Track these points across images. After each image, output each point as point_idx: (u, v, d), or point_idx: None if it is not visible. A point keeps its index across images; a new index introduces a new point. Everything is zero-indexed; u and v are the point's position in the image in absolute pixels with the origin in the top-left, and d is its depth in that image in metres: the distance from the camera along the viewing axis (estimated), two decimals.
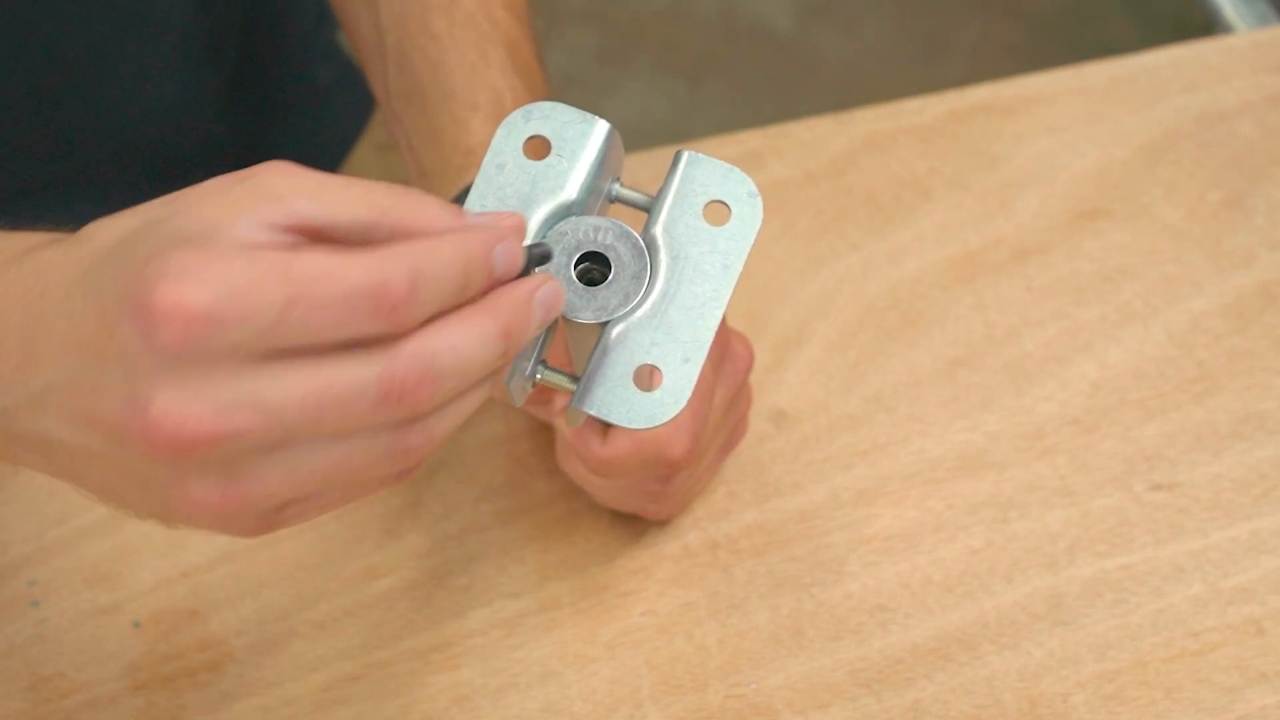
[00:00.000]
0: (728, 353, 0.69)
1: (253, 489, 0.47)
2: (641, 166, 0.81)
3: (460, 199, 0.68)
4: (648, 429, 0.53)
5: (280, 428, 0.46)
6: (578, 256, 0.53)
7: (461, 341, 0.47)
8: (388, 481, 0.50)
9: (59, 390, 0.48)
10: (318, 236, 0.47)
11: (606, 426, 0.66)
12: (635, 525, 0.73)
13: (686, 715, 0.69)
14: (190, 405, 0.45)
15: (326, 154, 0.99)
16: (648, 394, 0.53)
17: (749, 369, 0.71)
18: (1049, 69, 0.89)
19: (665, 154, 0.79)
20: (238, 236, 0.46)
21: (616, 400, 0.53)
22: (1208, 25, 1.54)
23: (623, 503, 0.72)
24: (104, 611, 0.72)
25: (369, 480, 0.49)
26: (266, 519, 0.49)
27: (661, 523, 0.73)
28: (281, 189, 0.47)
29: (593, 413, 0.53)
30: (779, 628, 0.71)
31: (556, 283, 0.51)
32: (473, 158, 0.70)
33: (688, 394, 0.53)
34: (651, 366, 0.53)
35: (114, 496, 0.50)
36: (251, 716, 0.69)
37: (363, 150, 1.00)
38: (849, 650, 0.70)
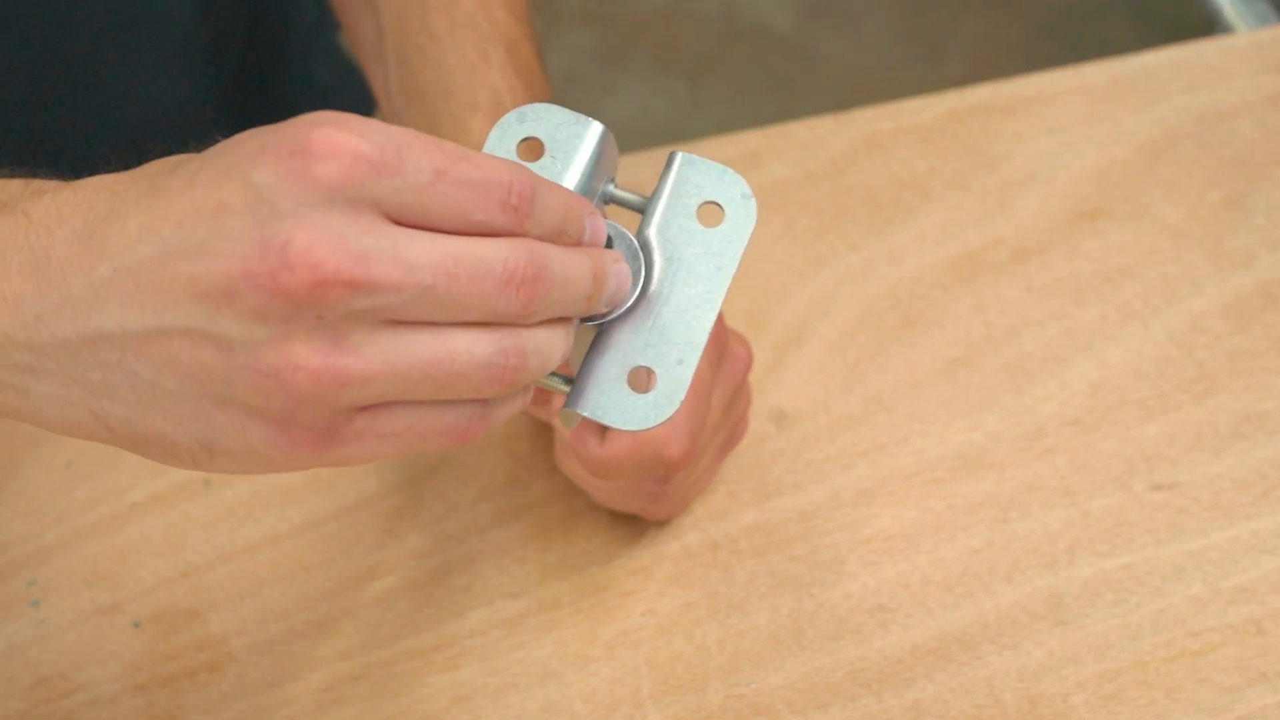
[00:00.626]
0: (726, 353, 0.69)
1: (353, 363, 0.46)
2: (641, 166, 0.81)
3: None
4: (642, 431, 0.53)
5: (414, 288, 0.46)
6: None
7: (567, 261, 0.50)
8: (463, 425, 0.49)
9: (133, 268, 0.47)
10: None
11: (605, 427, 0.66)
12: (635, 525, 0.73)
13: (686, 715, 0.69)
14: (332, 245, 0.45)
15: None
16: (642, 396, 0.53)
17: (748, 369, 0.71)
18: (1049, 69, 0.89)
19: (665, 154, 0.79)
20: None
21: (610, 402, 0.53)
22: (1208, 25, 1.54)
23: (622, 503, 0.72)
24: (104, 611, 0.72)
25: (459, 391, 0.48)
26: (334, 426, 0.48)
27: (661, 523, 0.73)
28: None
29: (587, 414, 0.53)
30: (779, 628, 0.71)
31: (626, 270, 0.53)
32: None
33: (681, 396, 0.53)
34: (645, 368, 0.53)
35: (154, 412, 0.48)
36: (251, 716, 0.69)
37: None
38: (849, 650, 0.70)
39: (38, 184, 0.50)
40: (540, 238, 0.49)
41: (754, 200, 0.54)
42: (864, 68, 1.97)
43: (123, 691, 0.70)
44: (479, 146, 0.70)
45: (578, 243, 0.51)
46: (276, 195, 0.45)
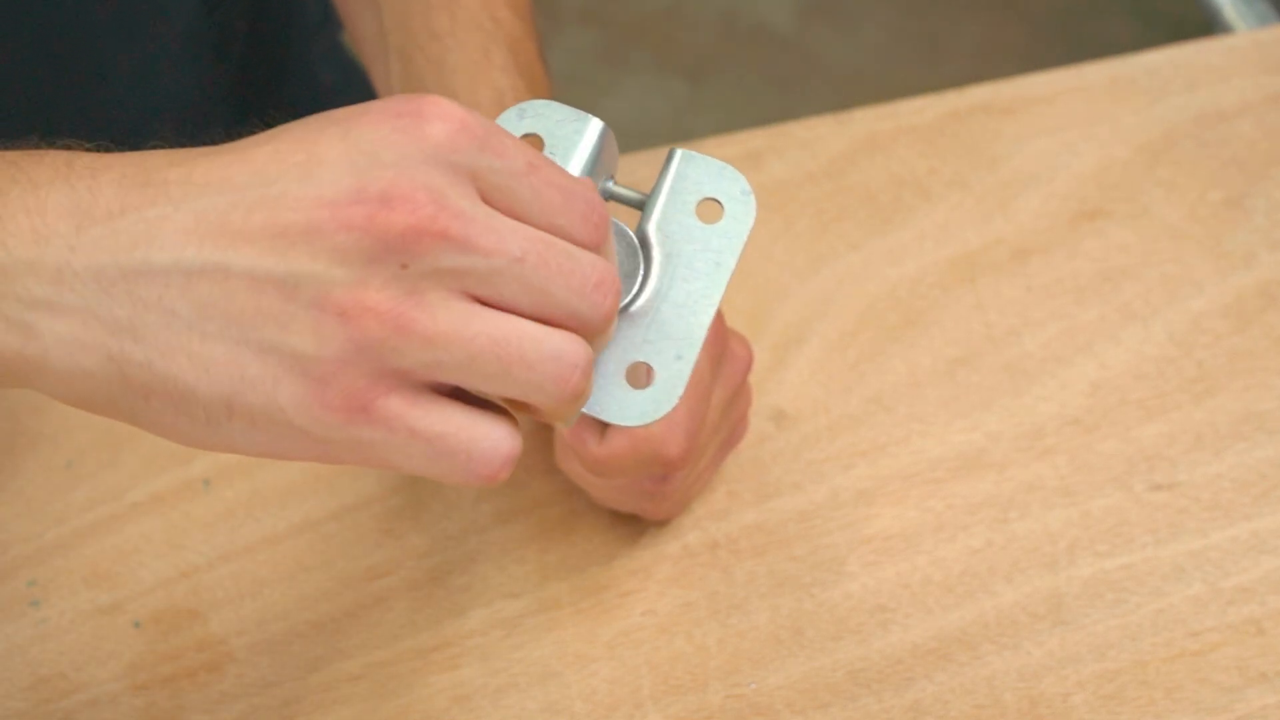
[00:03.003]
0: (726, 353, 0.69)
1: (423, 318, 0.45)
2: (641, 166, 0.81)
3: None
4: (640, 426, 0.53)
5: (505, 255, 0.46)
6: None
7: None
8: (493, 454, 0.48)
9: (205, 212, 0.45)
10: None
11: (604, 426, 0.66)
12: (635, 525, 0.73)
13: (686, 715, 0.69)
14: (433, 193, 0.45)
15: None
16: (640, 391, 0.53)
17: (748, 369, 0.71)
18: (1049, 69, 0.89)
19: (665, 154, 0.79)
20: None
21: (609, 398, 0.53)
22: (1208, 25, 1.54)
23: (621, 502, 0.72)
24: (104, 611, 0.72)
25: (519, 383, 0.48)
26: (371, 396, 0.46)
27: (661, 523, 0.73)
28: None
29: (584, 410, 0.53)
30: (779, 628, 0.71)
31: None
32: None
33: (680, 391, 0.53)
34: (644, 364, 0.53)
35: (180, 356, 0.45)
36: (251, 716, 0.69)
37: None
38: (849, 650, 0.70)
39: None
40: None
41: (753, 197, 0.54)
42: (864, 68, 1.97)
43: (123, 691, 0.70)
44: None
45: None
46: (379, 147, 0.45)
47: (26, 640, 0.71)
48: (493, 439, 0.48)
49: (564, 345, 0.48)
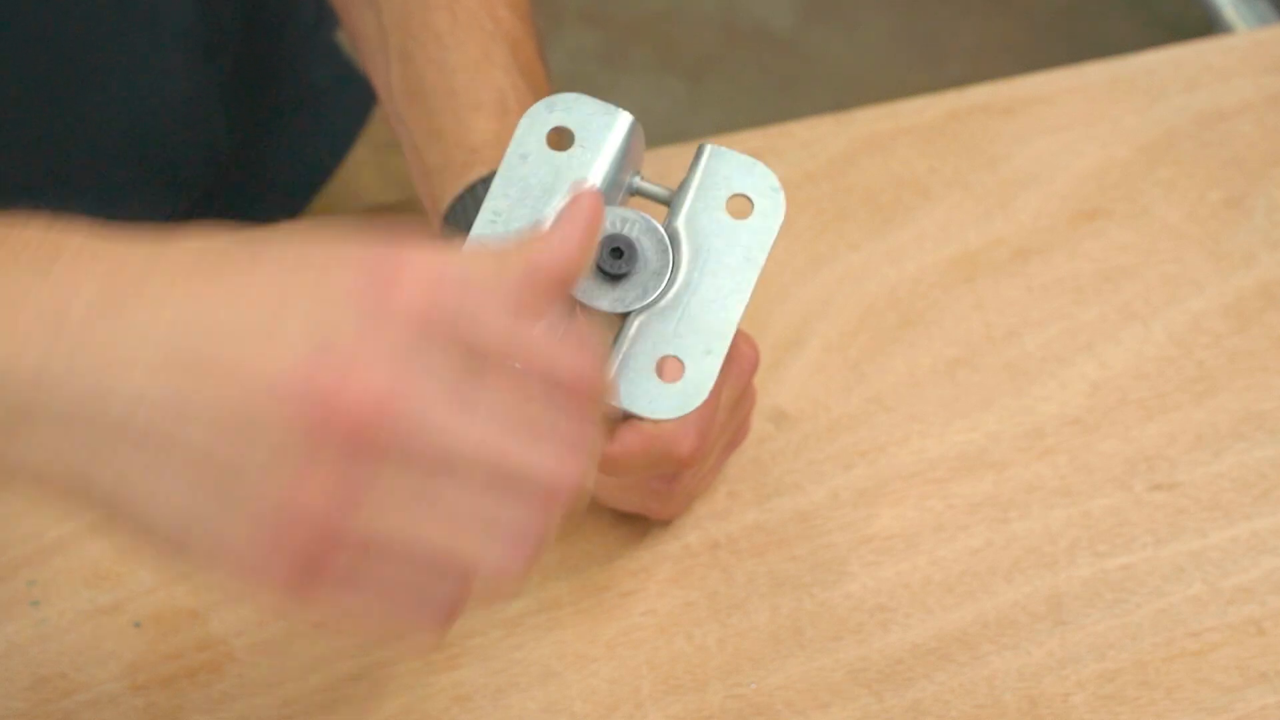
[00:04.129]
0: (734, 352, 0.69)
1: (355, 524, 0.44)
2: (642, 166, 0.81)
3: (462, 198, 0.69)
4: (670, 420, 0.53)
5: (446, 469, 0.44)
6: (603, 245, 0.53)
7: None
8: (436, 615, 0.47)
9: (160, 342, 0.44)
10: None
11: (615, 423, 0.66)
12: (636, 525, 0.73)
13: (686, 715, 0.69)
14: (385, 388, 0.43)
15: (324, 154, 0.99)
16: (670, 385, 0.53)
17: (755, 369, 0.71)
18: (1049, 69, 0.89)
19: (665, 153, 0.79)
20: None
21: (639, 391, 0.53)
22: (1208, 25, 1.54)
23: (627, 501, 0.72)
24: (104, 611, 0.72)
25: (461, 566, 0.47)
26: (319, 562, 0.45)
27: (662, 523, 0.73)
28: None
29: (615, 403, 0.53)
30: (779, 628, 0.71)
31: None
32: (476, 156, 0.70)
33: (709, 386, 0.53)
34: (674, 358, 0.53)
35: (140, 486, 0.45)
36: (251, 716, 0.69)
37: (360, 151, 1.00)
38: (849, 650, 0.70)
39: (56, 236, 0.47)
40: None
41: (783, 193, 0.54)
42: (864, 68, 1.97)
43: (123, 691, 0.70)
44: (482, 145, 0.70)
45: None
46: (345, 315, 0.43)
47: (26, 640, 0.71)
48: (433, 608, 0.47)
49: (504, 550, 0.46)
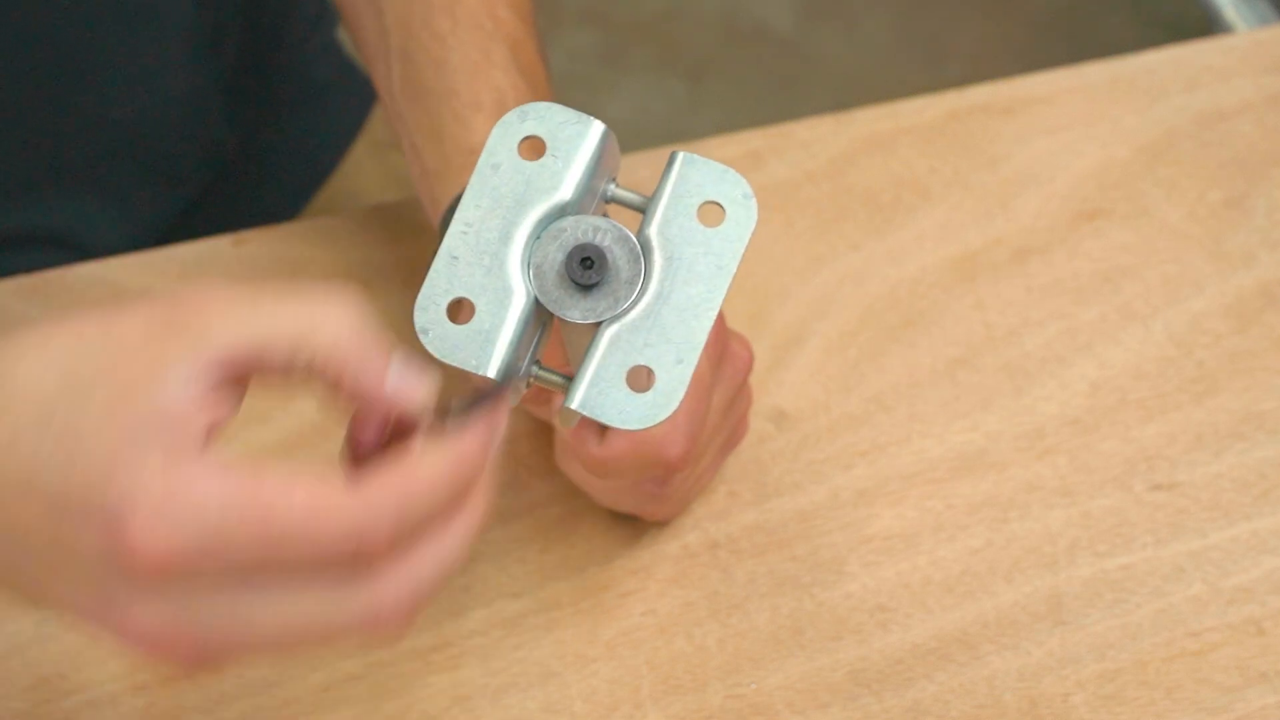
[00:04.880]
0: (727, 353, 0.69)
1: (195, 638, 0.46)
2: (641, 166, 0.81)
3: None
4: (640, 430, 0.53)
5: (262, 647, 0.46)
6: (574, 255, 0.53)
7: (443, 554, 0.48)
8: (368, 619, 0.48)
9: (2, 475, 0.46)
10: (254, 367, 0.47)
11: (604, 427, 0.66)
12: (635, 525, 0.73)
13: (686, 715, 0.69)
14: (170, 623, 0.45)
15: (324, 152, 0.99)
16: (641, 395, 0.53)
17: (748, 370, 0.71)
18: (1049, 69, 0.89)
19: (665, 154, 0.79)
20: (177, 410, 0.45)
21: (609, 401, 0.53)
22: (1208, 25, 1.54)
23: (621, 503, 0.72)
24: None
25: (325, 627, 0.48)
26: (200, 661, 0.47)
27: (661, 523, 0.73)
28: (207, 324, 0.47)
29: (585, 413, 0.53)
30: (779, 628, 0.71)
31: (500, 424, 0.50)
32: (475, 157, 0.69)
33: (680, 395, 0.53)
34: (645, 367, 0.53)
35: (17, 575, 0.48)
36: (251, 716, 0.69)
37: (360, 149, 1.00)
38: (849, 650, 0.70)
39: None
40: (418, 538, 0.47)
41: (755, 200, 0.54)
42: (864, 68, 1.97)
43: (123, 691, 0.70)
44: (481, 146, 0.70)
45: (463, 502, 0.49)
46: (107, 570, 0.45)
47: (26, 640, 0.71)
48: (356, 607, 0.48)
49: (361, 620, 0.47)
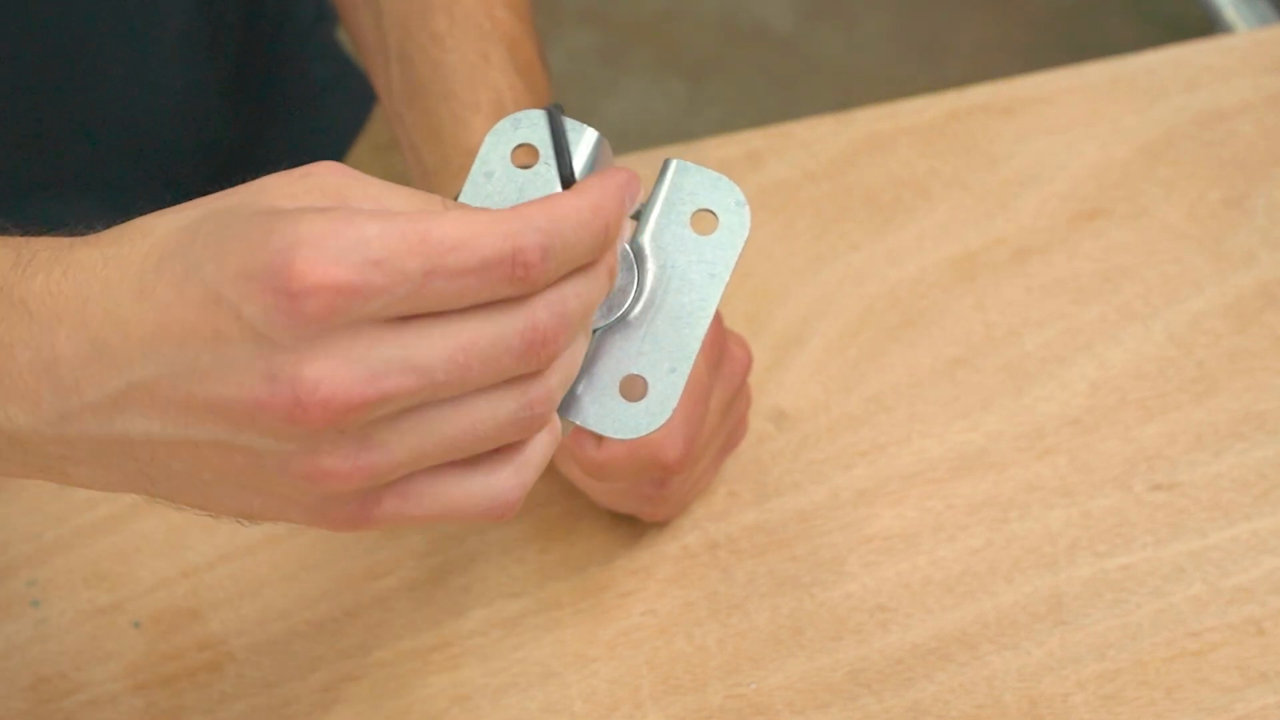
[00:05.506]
0: (725, 355, 0.69)
1: (382, 458, 0.47)
2: (641, 167, 0.81)
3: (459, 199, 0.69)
4: (633, 439, 0.53)
5: (430, 386, 0.46)
6: None
7: (585, 288, 0.49)
8: (499, 501, 0.50)
9: (148, 385, 0.47)
10: None
11: None
12: (635, 525, 0.73)
13: (686, 715, 0.69)
14: (340, 373, 0.45)
15: (324, 152, 0.99)
16: (633, 404, 0.53)
17: (747, 371, 0.71)
18: (1049, 69, 0.89)
19: (666, 154, 0.79)
20: (368, 209, 0.47)
21: (602, 410, 0.53)
22: (1208, 25, 1.54)
23: (620, 505, 0.72)
24: (104, 611, 0.72)
25: (488, 447, 0.49)
26: (366, 510, 0.48)
27: (661, 523, 0.73)
28: (341, 188, 0.48)
29: (579, 422, 0.53)
30: (779, 628, 0.71)
31: (634, 177, 0.51)
32: (473, 158, 0.70)
33: (673, 404, 0.53)
34: (638, 376, 0.53)
35: (194, 492, 0.49)
36: (251, 716, 0.69)
37: (360, 149, 1.00)
38: (849, 650, 0.70)
39: (27, 255, 0.49)
40: (563, 278, 0.49)
41: (748, 208, 0.54)
42: (864, 68, 1.97)
43: (123, 691, 0.70)
44: (479, 146, 0.70)
45: (602, 257, 0.50)
46: (271, 330, 0.45)
47: (26, 640, 0.71)
48: (490, 493, 0.50)
49: (517, 402, 0.49)
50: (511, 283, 0.47)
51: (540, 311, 0.48)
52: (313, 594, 0.72)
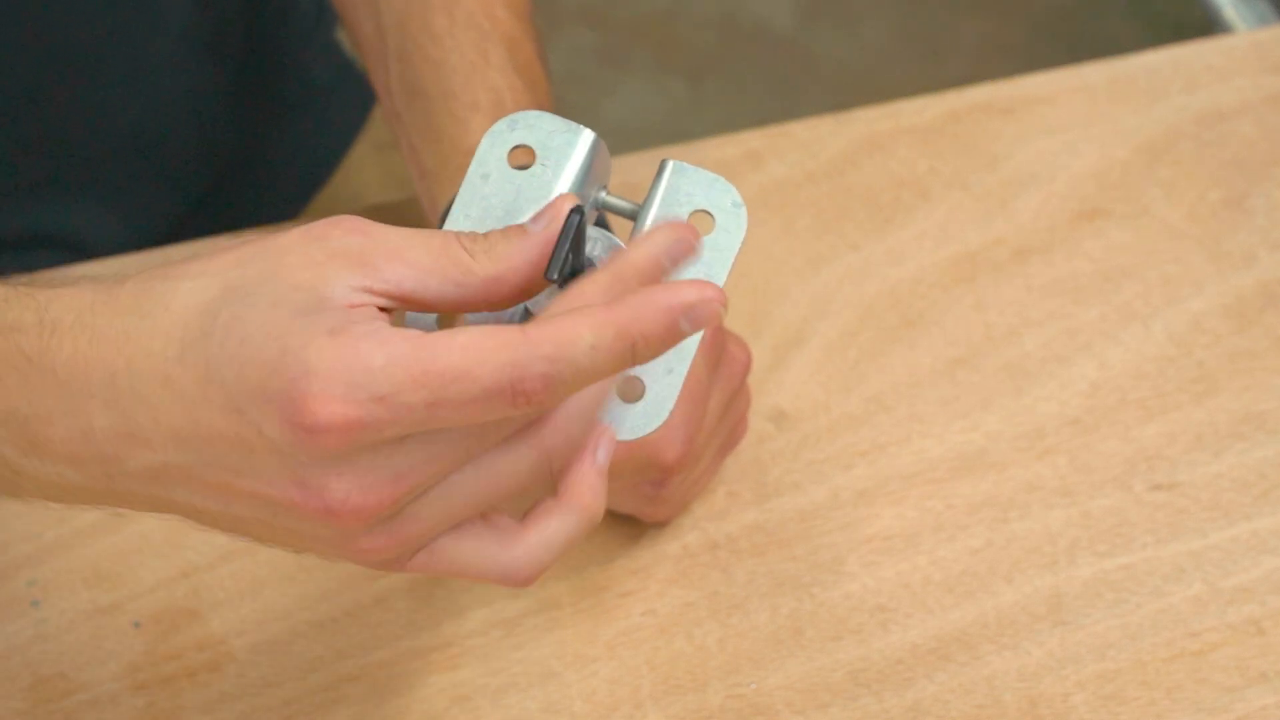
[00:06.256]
0: (724, 355, 0.69)
1: (414, 529, 0.49)
2: (640, 167, 0.81)
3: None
4: (630, 440, 0.53)
5: (446, 470, 0.48)
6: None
7: (599, 394, 0.50)
8: (499, 569, 0.51)
9: (185, 468, 0.48)
10: (406, 301, 0.49)
11: None
12: (635, 525, 0.73)
13: (686, 715, 0.69)
14: (366, 483, 0.47)
15: (325, 153, 0.99)
16: (631, 405, 0.53)
17: (746, 371, 0.71)
18: (1049, 69, 0.89)
19: (666, 154, 0.79)
20: (339, 303, 0.47)
21: (600, 411, 0.53)
22: (1208, 25, 1.54)
23: (620, 504, 0.72)
24: (104, 611, 0.72)
25: (509, 493, 0.51)
26: (403, 561, 0.50)
27: (660, 523, 0.73)
28: (363, 251, 0.48)
29: None
30: (779, 628, 0.71)
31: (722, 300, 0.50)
32: (472, 158, 0.70)
33: (670, 405, 0.53)
34: (635, 378, 0.53)
35: (249, 535, 0.51)
36: (251, 716, 0.69)
37: (361, 149, 1.00)
38: (849, 650, 0.70)
39: (50, 319, 0.50)
40: (588, 383, 0.49)
41: (744, 209, 0.54)
42: (864, 68, 1.97)
43: (123, 691, 0.70)
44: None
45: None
46: (294, 453, 0.47)
47: (26, 640, 0.71)
48: (502, 567, 0.51)
49: (534, 457, 0.50)
50: (516, 405, 0.47)
51: (550, 436, 0.50)
52: (313, 594, 0.72)
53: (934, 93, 0.88)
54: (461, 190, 0.53)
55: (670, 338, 0.48)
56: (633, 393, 0.53)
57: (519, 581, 0.51)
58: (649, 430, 0.52)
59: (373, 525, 0.48)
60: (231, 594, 0.72)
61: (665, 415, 0.52)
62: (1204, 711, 0.68)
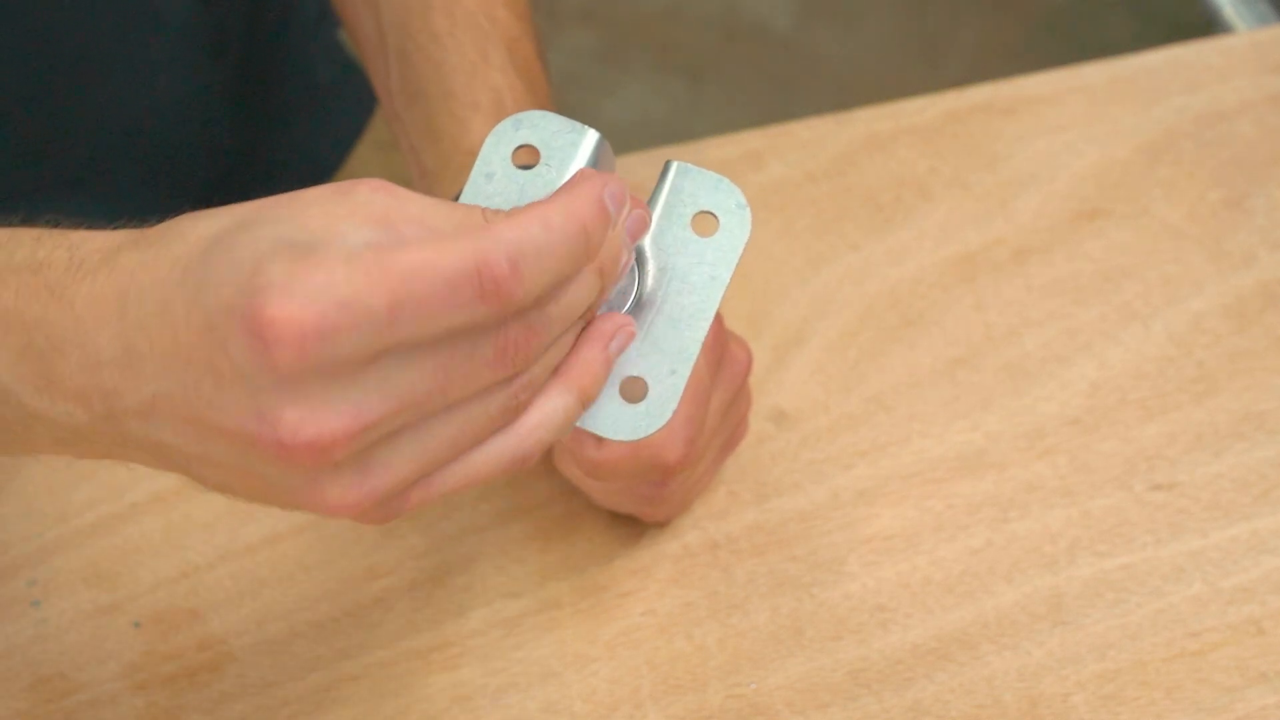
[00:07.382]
0: (726, 356, 0.69)
1: (384, 479, 0.48)
2: (641, 167, 0.81)
3: (459, 199, 0.68)
4: (633, 440, 0.53)
5: (411, 410, 0.47)
6: None
7: (567, 293, 0.49)
8: (504, 458, 0.50)
9: (170, 398, 0.48)
10: None
11: None
12: (635, 525, 0.74)
13: (686, 715, 0.69)
14: (320, 414, 0.46)
15: (327, 153, 0.99)
16: (634, 406, 0.53)
17: (747, 372, 0.71)
18: (1049, 69, 0.89)
19: (666, 154, 0.79)
20: (340, 247, 0.46)
21: (602, 412, 0.53)
22: (1208, 25, 1.54)
23: (620, 505, 0.72)
24: (104, 611, 0.72)
25: (483, 440, 0.50)
26: (394, 506, 0.49)
27: (661, 523, 0.73)
28: (386, 210, 0.48)
29: (578, 424, 0.53)
30: (779, 628, 0.71)
31: (643, 208, 0.52)
32: (473, 158, 0.70)
33: (673, 406, 0.53)
34: (638, 378, 0.53)
35: (236, 492, 0.50)
36: (251, 716, 0.69)
37: (363, 149, 1.00)
38: (849, 650, 0.70)
39: (79, 257, 0.50)
40: (544, 291, 0.48)
41: (749, 210, 0.54)
42: (864, 68, 1.97)
43: (123, 691, 0.70)
44: (478, 146, 0.70)
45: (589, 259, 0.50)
46: (253, 372, 0.46)
47: (26, 640, 0.71)
48: (524, 443, 0.50)
49: (502, 399, 0.49)
50: (484, 300, 0.46)
51: (512, 327, 0.48)
52: (313, 594, 0.72)
53: (934, 93, 0.88)
54: (466, 189, 0.53)
55: (603, 219, 0.49)
56: (635, 393, 0.53)
57: (524, 461, 0.50)
58: (651, 431, 0.52)
59: (334, 468, 0.47)
60: (231, 594, 0.72)
61: (668, 416, 0.53)
62: (1204, 711, 0.68)
